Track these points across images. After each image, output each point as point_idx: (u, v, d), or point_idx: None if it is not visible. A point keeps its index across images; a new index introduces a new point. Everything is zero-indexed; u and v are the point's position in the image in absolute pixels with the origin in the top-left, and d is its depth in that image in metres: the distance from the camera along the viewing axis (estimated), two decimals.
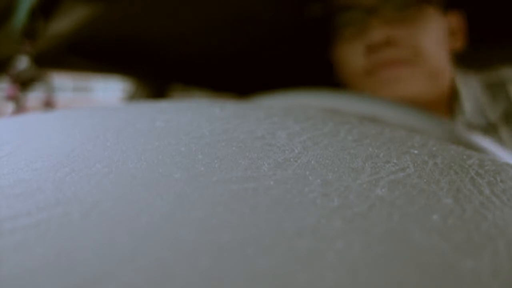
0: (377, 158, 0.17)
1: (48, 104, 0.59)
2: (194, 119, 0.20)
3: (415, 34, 0.51)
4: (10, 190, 0.14)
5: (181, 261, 0.11)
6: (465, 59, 0.61)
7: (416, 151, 0.18)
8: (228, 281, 0.10)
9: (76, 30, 0.59)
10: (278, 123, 0.20)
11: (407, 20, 0.52)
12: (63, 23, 0.57)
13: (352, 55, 0.54)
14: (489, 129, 0.55)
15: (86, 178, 0.15)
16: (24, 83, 0.55)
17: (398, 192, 0.15)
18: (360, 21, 0.53)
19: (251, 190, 0.14)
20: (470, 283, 0.11)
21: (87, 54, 0.69)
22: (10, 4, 0.54)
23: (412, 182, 0.15)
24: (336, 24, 0.55)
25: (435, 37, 0.52)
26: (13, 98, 0.54)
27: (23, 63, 0.55)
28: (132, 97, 0.90)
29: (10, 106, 0.54)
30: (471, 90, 0.55)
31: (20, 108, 0.55)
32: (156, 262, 0.11)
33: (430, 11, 0.53)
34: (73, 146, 0.18)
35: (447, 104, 0.56)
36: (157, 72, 0.83)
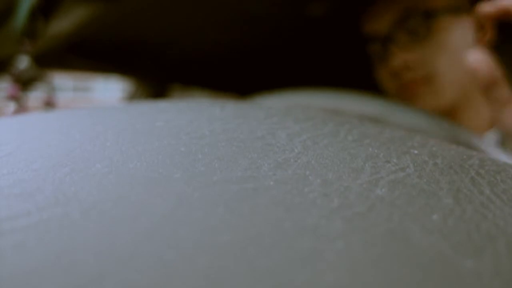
0: (377, 158, 0.17)
1: (48, 104, 0.59)
2: (194, 119, 0.20)
3: (428, 56, 0.56)
4: (9, 190, 0.14)
5: (181, 261, 0.11)
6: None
7: (416, 151, 0.18)
8: (228, 281, 0.10)
9: (76, 30, 0.59)
10: (278, 123, 0.20)
11: (421, 42, 0.56)
12: (63, 23, 0.57)
13: (383, 78, 0.61)
14: None
15: (86, 178, 0.15)
16: (24, 83, 0.56)
17: (398, 192, 0.15)
18: (381, 49, 0.59)
19: (251, 190, 0.14)
20: (471, 283, 0.11)
21: (87, 54, 0.69)
22: (10, 5, 0.54)
23: (412, 182, 0.15)
24: (367, 50, 0.63)
25: (453, 50, 0.56)
26: (14, 98, 0.54)
27: (23, 63, 0.55)
28: (132, 97, 0.90)
29: (11, 106, 0.54)
30: None
31: (20, 108, 0.55)
32: (156, 262, 0.11)
33: (444, 23, 0.56)
34: (73, 146, 0.18)
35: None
36: (157, 72, 0.83)
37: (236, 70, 0.85)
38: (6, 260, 0.11)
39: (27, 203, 0.13)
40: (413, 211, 0.14)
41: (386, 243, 0.12)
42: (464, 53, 0.55)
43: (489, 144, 0.52)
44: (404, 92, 0.58)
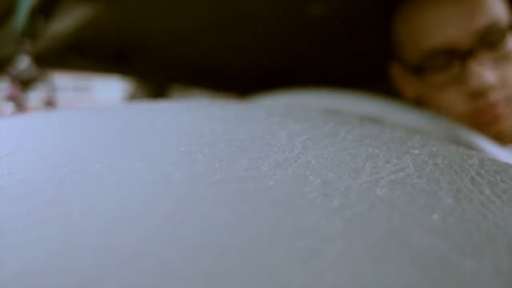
0: (377, 158, 0.17)
1: (49, 104, 0.59)
2: (194, 119, 0.20)
3: (509, 75, 0.53)
4: (10, 191, 0.14)
5: (181, 261, 0.11)
6: None
7: (416, 151, 0.18)
8: (228, 281, 0.10)
9: (76, 30, 0.59)
10: (278, 123, 0.20)
11: (500, 60, 0.53)
12: (63, 23, 0.57)
13: (453, 101, 0.54)
14: None
15: (86, 178, 0.15)
16: (24, 83, 0.56)
17: (398, 192, 0.15)
18: (458, 66, 0.52)
19: (251, 190, 0.14)
20: (471, 283, 0.11)
21: (87, 54, 0.69)
22: (10, 5, 0.54)
23: (412, 182, 0.15)
24: (429, 66, 0.54)
25: None
26: (13, 98, 0.54)
27: (23, 63, 0.55)
28: (132, 97, 0.90)
29: (10, 106, 0.54)
30: None
31: (20, 108, 0.55)
32: (156, 262, 0.11)
33: None
34: (73, 146, 0.18)
35: None
36: (157, 72, 0.83)
37: (236, 70, 0.85)
38: (6, 260, 0.11)
39: (27, 203, 0.13)
40: (413, 211, 0.14)
41: (386, 243, 0.12)
42: None
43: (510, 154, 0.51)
44: (483, 116, 0.52)
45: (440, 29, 0.53)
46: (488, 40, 0.51)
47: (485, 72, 0.51)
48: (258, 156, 0.17)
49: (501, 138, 0.54)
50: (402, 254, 0.12)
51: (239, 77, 0.88)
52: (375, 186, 0.15)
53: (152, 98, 0.87)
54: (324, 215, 0.13)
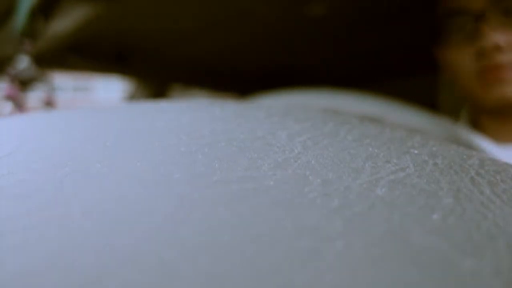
0: (377, 158, 0.17)
1: (49, 104, 0.59)
2: (194, 119, 0.20)
3: None
4: (10, 191, 0.14)
5: (182, 261, 0.11)
6: None
7: (416, 151, 0.18)
8: (228, 281, 0.10)
9: (76, 30, 0.59)
10: (278, 123, 0.20)
11: None
12: (63, 23, 0.57)
13: (463, 60, 0.57)
14: None
15: (86, 178, 0.15)
16: (24, 82, 0.56)
17: (398, 192, 0.15)
18: (470, 27, 0.55)
19: (251, 190, 0.14)
20: (471, 282, 0.11)
21: (87, 54, 0.69)
22: (10, 5, 0.54)
23: (412, 182, 0.15)
24: (444, 27, 0.59)
25: None
26: (11, 98, 0.54)
27: (23, 63, 0.55)
28: (132, 97, 0.90)
29: (8, 106, 0.54)
30: None
31: (19, 108, 0.55)
32: (157, 262, 0.11)
33: None
34: (73, 146, 0.18)
35: None
36: (157, 72, 0.83)
37: (236, 70, 0.85)
38: (6, 260, 0.11)
39: (27, 203, 0.13)
40: (413, 211, 0.14)
41: (386, 243, 0.12)
42: None
43: None
44: (487, 76, 0.55)
45: None
46: (501, 5, 0.54)
47: (494, 33, 0.53)
48: (258, 156, 0.17)
49: (505, 103, 0.55)
50: (402, 254, 0.12)
51: (239, 77, 0.88)
52: (375, 186, 0.15)
53: (152, 98, 0.87)
54: (324, 215, 0.13)
